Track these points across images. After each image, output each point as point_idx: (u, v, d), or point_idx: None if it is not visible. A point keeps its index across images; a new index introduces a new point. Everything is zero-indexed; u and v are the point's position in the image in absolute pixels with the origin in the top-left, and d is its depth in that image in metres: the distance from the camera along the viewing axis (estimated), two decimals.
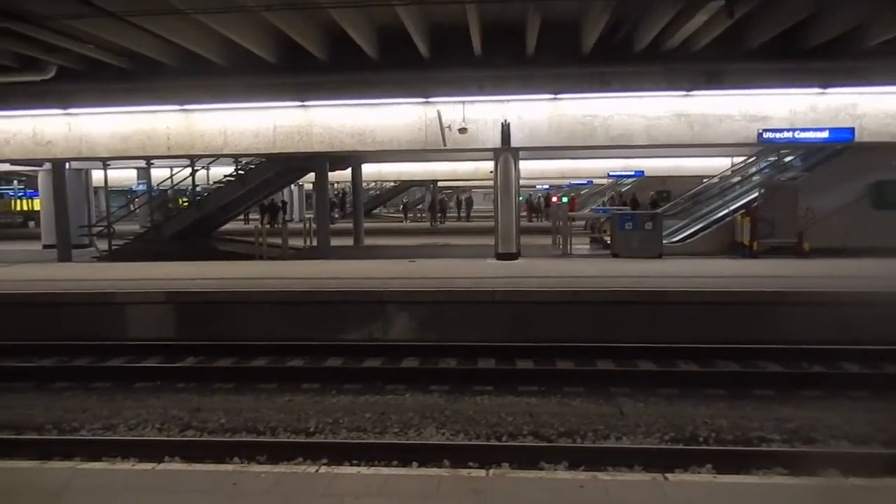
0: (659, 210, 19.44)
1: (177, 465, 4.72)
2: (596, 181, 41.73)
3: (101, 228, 20.19)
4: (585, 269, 12.60)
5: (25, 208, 42.36)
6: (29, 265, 14.98)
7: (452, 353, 9.10)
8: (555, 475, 4.35)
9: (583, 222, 25.66)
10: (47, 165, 19.91)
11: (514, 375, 8.21)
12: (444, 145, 13.55)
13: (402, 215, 45.20)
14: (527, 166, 27.19)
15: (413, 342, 9.66)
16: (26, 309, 10.73)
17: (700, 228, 17.29)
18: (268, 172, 18.80)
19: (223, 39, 11.33)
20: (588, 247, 18.77)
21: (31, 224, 33.95)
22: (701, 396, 7.35)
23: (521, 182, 21.17)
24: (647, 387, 7.63)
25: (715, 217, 17.55)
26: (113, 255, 17.99)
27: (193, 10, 9.44)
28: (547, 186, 49.22)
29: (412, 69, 12.44)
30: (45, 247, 20.58)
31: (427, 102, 13.17)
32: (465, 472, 4.19)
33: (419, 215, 45.95)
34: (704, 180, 23.10)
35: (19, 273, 13.39)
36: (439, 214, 36.07)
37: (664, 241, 15.49)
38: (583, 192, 44.29)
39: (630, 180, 35.53)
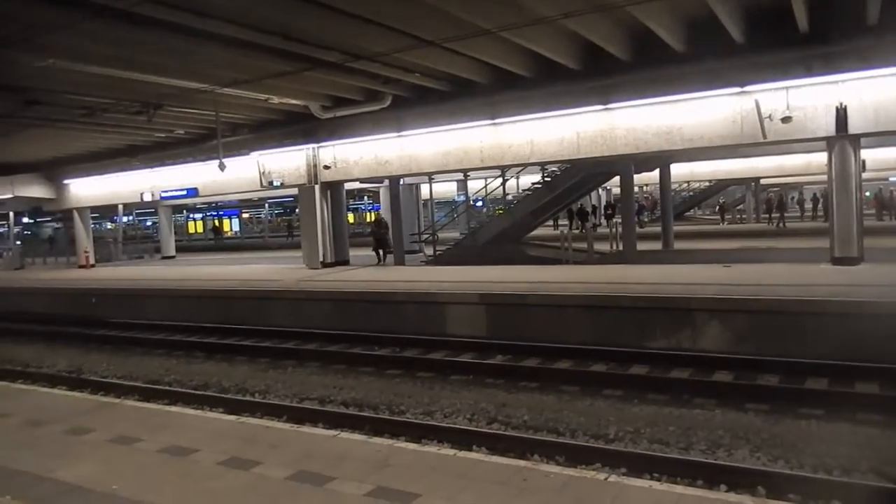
0: None
1: (473, 455, 5.05)
2: None
3: (427, 236, 22.68)
4: None
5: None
6: (373, 268, 17.54)
7: (773, 369, 8.14)
8: None
9: None
10: (386, 182, 23.08)
11: (851, 400, 7.02)
12: (764, 138, 12.17)
13: (718, 217, 41.87)
14: (876, 156, 23.12)
15: (726, 354, 8.88)
16: (372, 305, 12.55)
17: None
18: (573, 178, 19.08)
19: (527, 53, 11.86)
20: None
21: None
22: None
23: (867, 174, 18.01)
24: None
25: None
26: (437, 260, 20.04)
27: (500, 28, 10.06)
28: None
29: (724, 57, 11.46)
30: (388, 252, 23.78)
31: (742, 92, 11.97)
32: (773, 502, 3.68)
33: (739, 216, 42.10)
34: None
35: (365, 275, 15.76)
36: (776, 215, 31.84)
37: None
38: None
39: None
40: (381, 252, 19.57)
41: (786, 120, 11.76)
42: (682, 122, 12.71)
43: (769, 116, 11.91)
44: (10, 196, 23.60)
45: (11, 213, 34.15)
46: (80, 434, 5.66)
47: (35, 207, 27.95)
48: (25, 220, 46.82)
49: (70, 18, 8.42)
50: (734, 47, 11.22)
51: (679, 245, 21.87)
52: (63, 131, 16.01)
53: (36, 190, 23.55)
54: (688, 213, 46.54)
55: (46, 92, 12.43)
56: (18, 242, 35.40)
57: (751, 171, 32.29)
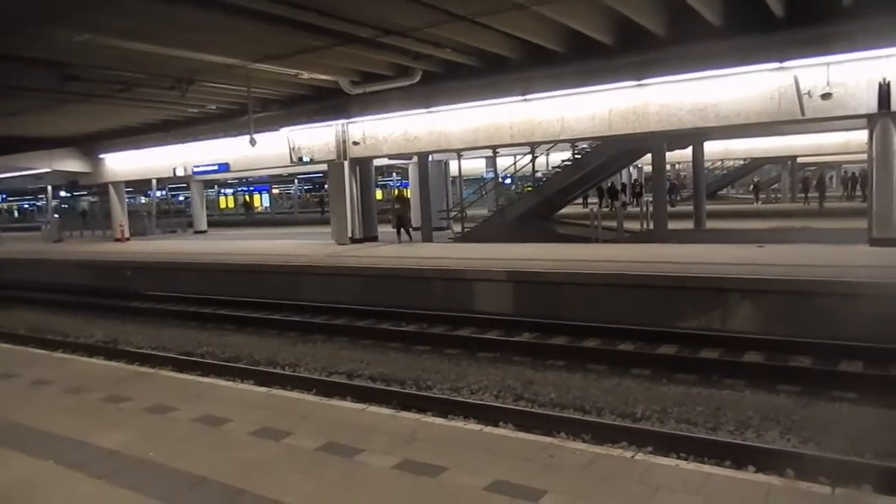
0: None
1: (499, 430, 5.09)
2: None
3: (455, 212, 22.68)
4: None
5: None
6: (401, 244, 17.60)
7: (805, 351, 8.00)
8: None
9: None
10: (415, 159, 23.05)
11: (888, 384, 6.87)
12: (802, 115, 11.83)
13: (752, 196, 41.05)
14: None
15: (757, 335, 8.75)
16: (400, 281, 12.62)
17: None
18: (603, 156, 18.84)
19: (560, 28, 11.65)
20: None
21: None
22: None
23: None
24: None
25: None
26: (465, 236, 20.04)
27: (532, 3, 9.89)
28: None
29: (763, 32, 11.13)
30: (415, 229, 23.82)
31: (781, 68, 11.63)
32: (804, 485, 3.64)
33: (774, 196, 41.24)
34: None
35: (393, 251, 15.83)
36: (813, 194, 30.98)
37: None
38: None
39: None
40: (403, 230, 19.24)
41: (826, 96, 11.41)
42: (718, 99, 12.43)
43: (808, 93, 11.57)
44: (48, 170, 24.15)
45: (49, 187, 34.96)
46: (117, 402, 5.84)
47: (71, 181, 28.56)
48: (62, 193, 48.01)
49: None
50: (773, 21, 10.89)
51: (711, 224, 21.54)
52: (99, 106, 16.24)
53: (72, 164, 24.03)
54: (721, 192, 45.68)
55: (84, 67, 12.60)
56: (56, 216, 36.33)
57: (787, 150, 31.55)
